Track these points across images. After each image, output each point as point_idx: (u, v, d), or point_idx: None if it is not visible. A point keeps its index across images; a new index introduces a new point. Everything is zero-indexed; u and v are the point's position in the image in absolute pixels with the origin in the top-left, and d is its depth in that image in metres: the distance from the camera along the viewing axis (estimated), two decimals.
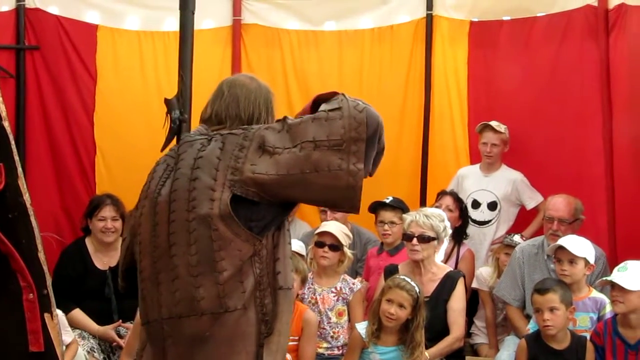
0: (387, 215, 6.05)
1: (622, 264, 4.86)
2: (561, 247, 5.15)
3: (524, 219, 6.74)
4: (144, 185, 3.17)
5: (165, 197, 2.97)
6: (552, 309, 4.80)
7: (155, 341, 2.96)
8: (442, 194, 6.53)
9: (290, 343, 4.79)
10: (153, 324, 2.96)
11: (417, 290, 4.89)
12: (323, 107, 2.96)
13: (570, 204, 5.84)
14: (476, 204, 6.75)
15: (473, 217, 6.70)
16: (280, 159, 2.85)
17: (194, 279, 2.84)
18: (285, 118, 3.00)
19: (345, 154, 2.84)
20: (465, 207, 6.52)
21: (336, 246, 5.51)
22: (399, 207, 6.06)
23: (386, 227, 6.01)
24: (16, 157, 1.97)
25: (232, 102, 3.25)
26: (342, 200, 2.95)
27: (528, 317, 5.55)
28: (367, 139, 2.88)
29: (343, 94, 3.05)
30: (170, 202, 2.94)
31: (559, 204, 5.83)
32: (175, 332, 2.88)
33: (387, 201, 6.15)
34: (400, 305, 4.84)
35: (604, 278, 4.94)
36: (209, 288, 2.83)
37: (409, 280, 4.96)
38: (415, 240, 5.35)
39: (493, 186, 6.75)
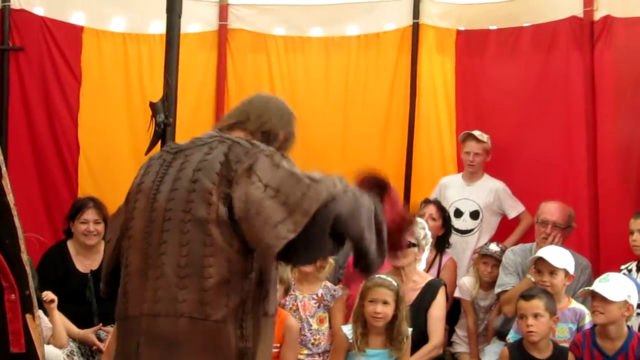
0: None
1: (603, 275, 4.87)
2: (541, 259, 5.17)
3: (505, 229, 6.75)
4: (136, 179, 3.14)
5: (165, 194, 2.94)
6: (536, 315, 4.82)
7: (130, 337, 2.92)
8: (425, 202, 6.52)
9: (272, 350, 4.79)
10: (132, 320, 2.92)
11: (396, 284, 4.90)
12: (316, 173, 2.91)
13: (565, 210, 5.91)
14: (458, 213, 6.76)
15: (455, 226, 6.70)
16: (250, 190, 2.81)
17: (179, 279, 2.81)
18: (287, 157, 2.99)
19: (288, 217, 2.76)
20: (448, 216, 6.52)
21: None
22: None
23: None
24: (0, 157, 1.95)
25: (257, 105, 3.28)
26: (261, 254, 2.88)
27: None
28: (316, 220, 2.77)
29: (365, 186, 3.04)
30: (168, 200, 2.92)
31: (554, 209, 5.88)
32: (150, 331, 2.84)
33: None
34: (384, 302, 4.84)
35: (585, 288, 4.96)
36: (192, 292, 2.80)
37: (384, 276, 4.96)
38: None
39: (475, 195, 6.76)
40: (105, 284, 3.28)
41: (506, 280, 5.84)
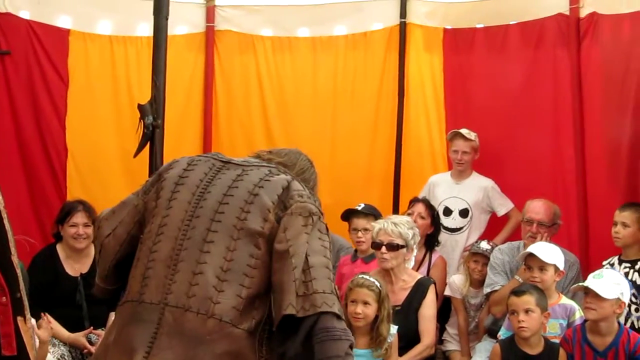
0: (360, 222, 6.04)
1: (598, 272, 4.88)
2: (531, 254, 5.18)
3: (495, 226, 6.76)
4: (170, 170, 3.17)
5: (217, 196, 2.99)
6: (527, 311, 4.83)
7: (142, 323, 2.89)
8: (414, 201, 6.53)
9: None
10: (148, 306, 2.88)
11: (378, 285, 4.88)
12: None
13: (550, 208, 5.93)
14: (448, 211, 6.77)
15: (445, 224, 6.71)
16: (301, 234, 2.93)
17: (219, 282, 2.83)
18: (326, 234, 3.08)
19: (300, 297, 2.86)
20: (437, 214, 6.52)
21: None
22: (372, 213, 6.06)
23: (359, 234, 6.00)
24: None
25: (303, 161, 3.48)
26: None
27: None
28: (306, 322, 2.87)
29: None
30: (221, 203, 2.97)
31: (539, 207, 5.90)
32: (176, 323, 2.82)
33: (359, 208, 6.15)
34: (365, 303, 4.83)
35: (579, 284, 4.96)
36: (229, 296, 2.83)
37: (367, 277, 4.95)
38: (384, 249, 5.33)
39: (464, 193, 6.77)
40: (104, 279, 3.23)
41: (494, 280, 5.86)
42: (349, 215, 6.20)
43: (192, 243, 2.91)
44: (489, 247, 6.12)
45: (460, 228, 6.75)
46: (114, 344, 2.88)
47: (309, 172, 3.40)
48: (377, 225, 5.47)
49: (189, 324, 2.81)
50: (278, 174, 3.08)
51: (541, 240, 5.71)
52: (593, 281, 4.73)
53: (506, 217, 6.71)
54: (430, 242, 6.36)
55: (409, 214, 6.21)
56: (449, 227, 6.74)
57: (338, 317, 2.82)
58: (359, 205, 6.20)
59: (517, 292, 4.95)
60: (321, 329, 2.79)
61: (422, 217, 6.30)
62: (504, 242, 6.38)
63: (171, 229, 2.97)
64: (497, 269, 5.88)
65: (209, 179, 3.07)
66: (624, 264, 5.43)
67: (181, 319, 2.81)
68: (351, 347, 2.83)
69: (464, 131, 6.72)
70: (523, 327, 4.83)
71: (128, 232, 3.14)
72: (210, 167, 3.13)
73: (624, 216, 5.46)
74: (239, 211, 2.94)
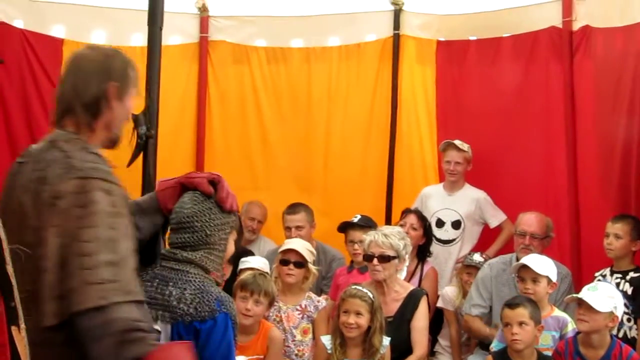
0: (356, 234, 6.04)
1: (592, 284, 4.90)
2: (524, 266, 5.19)
3: (487, 238, 6.77)
4: None
5: None
6: (521, 324, 4.81)
7: None
8: (406, 212, 6.53)
9: None
10: None
11: (371, 296, 4.87)
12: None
13: (542, 220, 5.95)
14: (440, 223, 6.79)
15: (437, 236, 6.72)
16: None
17: None
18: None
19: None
20: (429, 225, 6.53)
21: (301, 263, 5.49)
22: (367, 225, 6.06)
23: (356, 246, 5.99)
24: None
25: (70, 74, 2.99)
26: None
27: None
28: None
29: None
30: None
31: (532, 220, 5.92)
32: None
33: (355, 220, 6.17)
34: (357, 313, 4.82)
35: (573, 295, 4.96)
36: None
37: (360, 287, 4.94)
38: (375, 261, 5.30)
39: (457, 205, 6.79)
40: None
41: (476, 301, 5.86)
42: (345, 227, 6.21)
43: None
44: (481, 259, 6.13)
45: (453, 240, 6.76)
46: None
47: (81, 80, 2.91)
48: (368, 237, 5.44)
49: None
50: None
51: (534, 252, 5.71)
52: (587, 293, 4.73)
53: (499, 228, 6.71)
54: (422, 253, 6.37)
55: (401, 225, 6.21)
56: (442, 238, 6.75)
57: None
58: (355, 217, 6.21)
59: (511, 304, 4.93)
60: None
61: (414, 229, 6.30)
62: (496, 254, 6.39)
63: None
64: (481, 287, 5.88)
65: None
66: (615, 275, 5.47)
67: None
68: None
69: (457, 142, 6.74)
70: (516, 339, 4.82)
71: None
72: None
73: (616, 228, 5.49)
74: None
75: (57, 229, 2.50)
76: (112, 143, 2.98)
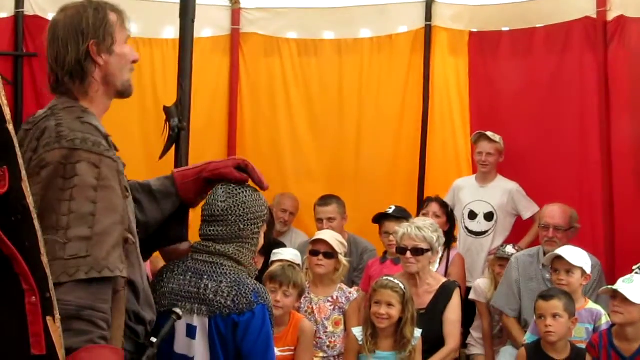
0: (391, 225, 6.02)
1: (628, 276, 4.83)
2: (559, 257, 5.15)
3: (520, 229, 6.74)
4: None
5: None
6: (555, 316, 4.79)
7: None
8: (428, 200, 6.56)
9: (287, 353, 4.79)
10: None
11: (402, 287, 4.86)
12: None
13: (566, 212, 5.89)
14: (473, 215, 6.76)
15: (470, 228, 6.71)
16: None
17: None
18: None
19: None
20: (452, 210, 6.53)
21: (330, 254, 5.48)
22: (402, 216, 6.05)
23: (391, 237, 5.94)
24: (20, 161, 1.94)
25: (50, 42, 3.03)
26: None
27: (525, 328, 5.55)
28: None
29: None
30: None
31: (555, 212, 5.88)
32: None
33: (390, 211, 6.16)
34: (389, 304, 4.81)
35: (608, 287, 4.91)
36: None
37: (391, 279, 4.93)
38: (409, 254, 5.29)
39: (489, 197, 6.76)
40: None
41: (510, 301, 5.84)
42: (380, 218, 6.21)
43: None
44: (514, 251, 6.09)
45: (486, 232, 6.73)
46: None
47: (57, 46, 2.92)
48: (400, 229, 5.42)
49: None
50: None
51: (559, 245, 5.66)
52: (622, 285, 4.69)
53: (531, 220, 6.67)
54: (447, 238, 6.33)
55: (424, 214, 6.21)
56: (474, 230, 6.73)
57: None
58: (390, 208, 6.21)
59: (545, 296, 4.91)
60: None
61: (437, 216, 6.31)
62: (528, 246, 6.36)
63: None
64: (514, 286, 5.84)
65: None
66: None
67: None
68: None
69: (489, 133, 6.71)
70: (550, 331, 4.80)
71: None
72: None
73: None
74: None
75: (36, 198, 2.33)
76: (121, 94, 2.95)
